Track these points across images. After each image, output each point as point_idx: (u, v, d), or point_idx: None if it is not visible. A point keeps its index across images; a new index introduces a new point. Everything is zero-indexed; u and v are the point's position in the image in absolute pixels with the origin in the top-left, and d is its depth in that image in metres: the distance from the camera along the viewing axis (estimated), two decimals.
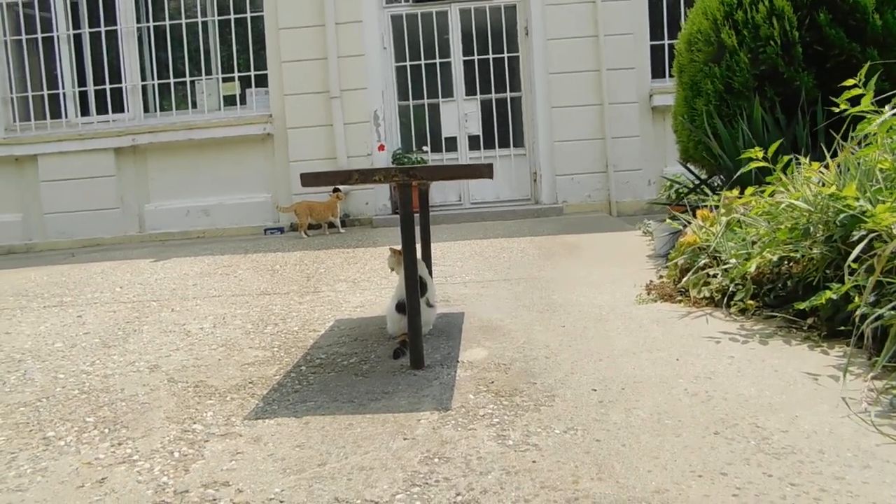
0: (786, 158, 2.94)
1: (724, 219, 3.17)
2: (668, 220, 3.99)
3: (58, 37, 8.02)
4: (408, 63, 7.95)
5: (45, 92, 8.09)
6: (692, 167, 4.86)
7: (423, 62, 7.94)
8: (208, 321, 3.31)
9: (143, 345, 2.93)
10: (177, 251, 6.30)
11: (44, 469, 1.70)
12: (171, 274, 4.85)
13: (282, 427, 1.87)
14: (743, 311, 2.73)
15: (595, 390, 1.99)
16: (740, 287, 2.79)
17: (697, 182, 4.71)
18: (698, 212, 3.53)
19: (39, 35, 8.04)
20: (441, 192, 8.00)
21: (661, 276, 3.53)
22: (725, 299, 2.82)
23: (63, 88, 8.06)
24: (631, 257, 4.40)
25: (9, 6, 8.03)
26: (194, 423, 1.96)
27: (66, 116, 8.08)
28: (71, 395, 2.29)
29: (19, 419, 2.09)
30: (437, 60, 7.93)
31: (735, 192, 3.31)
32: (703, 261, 3.08)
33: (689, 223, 3.51)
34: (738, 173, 3.54)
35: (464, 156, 7.99)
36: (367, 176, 2.38)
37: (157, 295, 4.09)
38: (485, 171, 2.26)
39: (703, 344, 2.39)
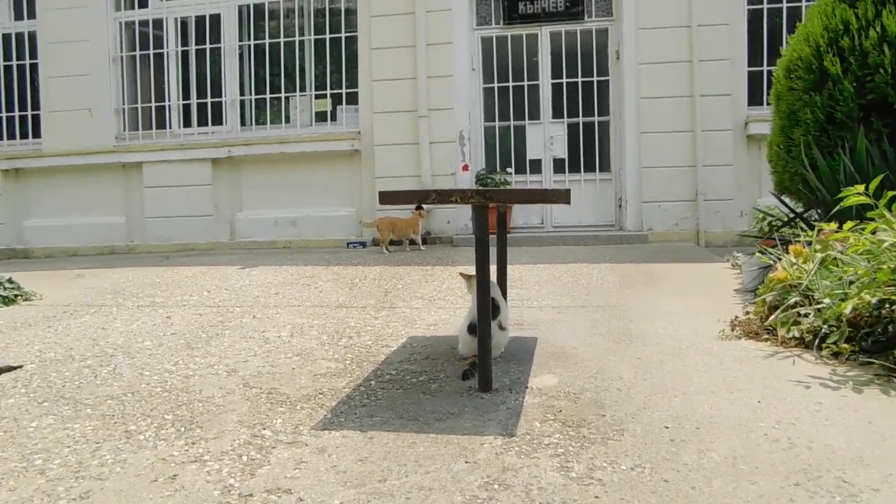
0: (890, 194, 2.75)
1: (818, 255, 3.00)
2: (757, 254, 3.81)
3: (167, 53, 8.55)
4: (496, 84, 8.00)
5: (153, 104, 8.62)
6: (787, 200, 4.64)
7: (510, 84, 7.97)
8: (286, 330, 3.40)
9: (224, 349, 3.04)
10: (263, 259, 6.53)
11: (123, 461, 1.78)
12: (256, 281, 5.03)
13: (347, 440, 1.88)
14: (836, 355, 2.56)
15: (667, 427, 1.91)
16: (834, 329, 2.62)
17: (792, 215, 4.48)
18: (791, 247, 3.35)
19: (151, 51, 8.59)
20: (523, 215, 7.96)
21: (747, 313, 3.37)
22: (817, 341, 2.65)
23: (169, 101, 8.57)
24: (717, 290, 4.22)
25: (126, 24, 8.62)
26: (264, 428, 2.01)
27: (170, 127, 8.57)
28: (154, 392, 2.39)
29: (106, 411, 2.20)
30: (526, 83, 7.94)
31: (833, 226, 3.13)
32: (793, 298, 2.92)
33: (781, 258, 3.34)
34: (837, 208, 3.35)
35: (548, 179, 7.93)
36: (444, 196, 2.40)
37: (241, 301, 4.24)
38: (562, 197, 2.23)
39: (789, 387, 2.26)
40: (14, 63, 8.91)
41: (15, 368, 2.78)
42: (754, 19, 7.42)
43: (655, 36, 7.32)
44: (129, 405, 2.26)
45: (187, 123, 8.59)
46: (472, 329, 2.57)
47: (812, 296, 2.85)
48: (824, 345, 2.61)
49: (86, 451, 1.86)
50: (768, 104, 4.95)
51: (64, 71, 8.53)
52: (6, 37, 8.94)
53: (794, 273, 3.06)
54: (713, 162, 7.27)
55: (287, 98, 8.40)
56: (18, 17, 8.89)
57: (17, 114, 8.95)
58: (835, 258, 2.92)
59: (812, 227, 3.29)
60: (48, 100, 8.63)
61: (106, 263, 6.92)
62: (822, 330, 2.65)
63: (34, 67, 8.79)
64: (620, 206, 7.70)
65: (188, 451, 1.84)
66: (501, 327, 2.70)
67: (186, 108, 8.59)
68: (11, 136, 8.96)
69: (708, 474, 1.61)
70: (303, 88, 8.34)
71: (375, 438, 1.89)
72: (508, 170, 7.91)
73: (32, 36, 8.77)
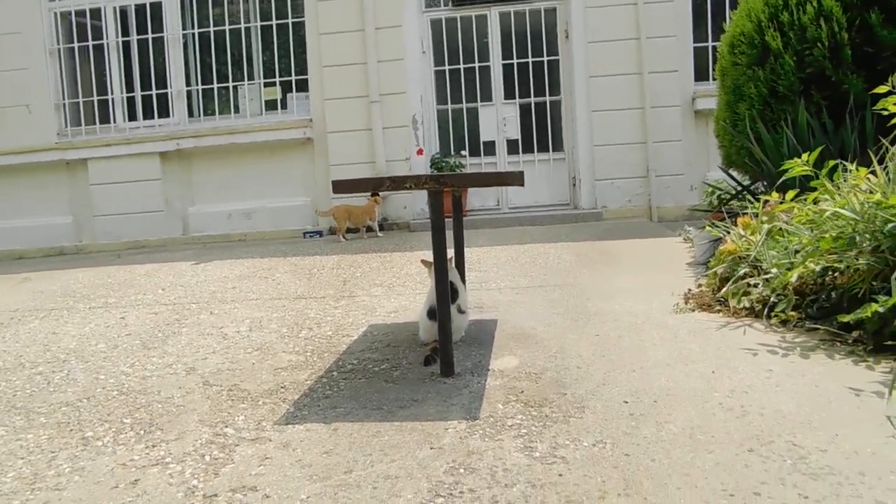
0: (831, 163, 2.84)
1: (765, 227, 3.09)
2: (707, 227, 3.90)
3: (107, 44, 8.27)
4: (447, 67, 7.97)
5: (95, 98, 8.34)
6: (734, 173, 4.76)
7: (462, 66, 7.95)
8: (245, 324, 3.36)
9: (182, 347, 2.99)
10: (218, 254, 6.42)
11: (81, 469, 1.75)
12: (212, 276, 4.94)
13: (311, 433, 1.88)
14: (784, 323, 2.65)
15: (626, 402, 1.96)
16: (782, 298, 2.71)
17: (739, 189, 4.60)
18: (739, 219, 3.44)
19: (91, 42, 8.30)
20: (479, 197, 7.99)
21: (699, 285, 3.46)
22: (766, 310, 2.74)
23: (112, 94, 8.31)
24: (670, 265, 4.32)
25: (62, 15, 8.30)
26: (226, 426, 1.99)
27: (115, 122, 8.32)
28: (110, 396, 2.34)
29: (61, 418, 2.15)
30: (477, 64, 7.93)
31: (777, 196, 3.22)
32: (743, 270, 3.00)
33: (730, 231, 3.43)
34: (782, 180, 3.45)
35: (502, 160, 7.96)
36: (398, 183, 2.39)
37: (198, 297, 4.17)
38: (516, 179, 2.25)
39: (741, 356, 2.33)
40: None
41: None
42: None
43: (603, 14, 7.38)
44: (85, 411, 2.21)
45: (132, 117, 8.35)
46: (431, 314, 2.58)
47: (760, 266, 2.93)
48: (773, 313, 2.70)
49: (41, 462, 1.82)
50: (714, 80, 5.05)
51: (3, 66, 8.17)
52: None
53: (743, 245, 3.15)
54: (663, 138, 7.39)
55: (235, 87, 8.23)
56: None
57: None
58: (781, 229, 3.01)
59: (759, 200, 3.38)
60: None
61: (54, 265, 6.71)
62: (771, 299, 2.74)
63: None
64: (574, 185, 7.79)
65: (149, 454, 1.81)
66: (461, 311, 2.72)
67: (131, 101, 8.34)
68: None
69: (667, 446, 1.65)
70: (251, 77, 8.18)
71: (340, 430, 1.88)
72: (462, 153, 7.91)
73: None
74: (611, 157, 7.48)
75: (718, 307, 3.00)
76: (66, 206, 8.30)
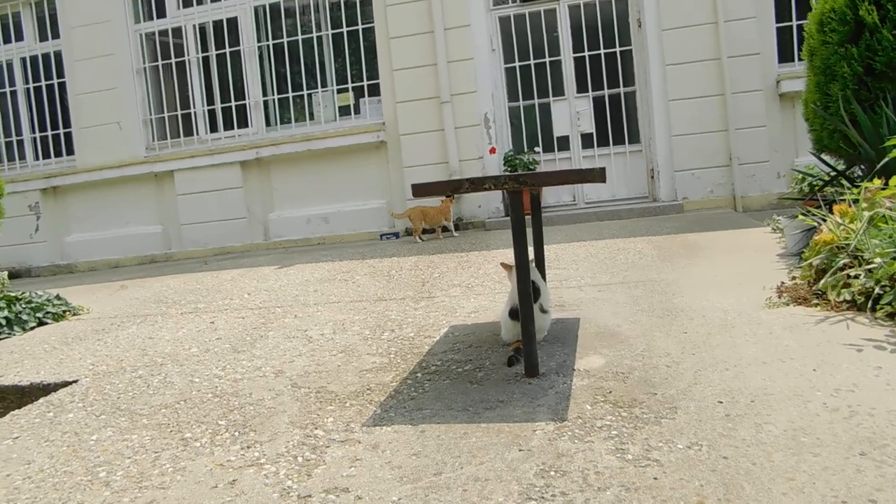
0: None
1: (866, 213, 2.91)
2: (800, 216, 3.72)
3: (189, 60, 8.64)
4: (517, 64, 7.91)
5: (179, 112, 8.73)
6: (827, 158, 4.51)
7: (532, 62, 7.87)
8: (328, 327, 3.43)
9: (269, 350, 3.08)
10: (298, 258, 6.59)
11: (182, 469, 1.82)
12: (294, 280, 5.08)
13: (398, 434, 1.89)
14: (891, 317, 2.49)
15: (721, 402, 1.88)
16: (887, 289, 2.54)
17: (834, 174, 4.36)
18: (835, 206, 3.26)
19: (173, 60, 8.69)
20: (554, 193, 7.89)
21: (793, 278, 3.29)
22: (870, 303, 2.58)
23: (194, 108, 8.67)
24: (759, 257, 4.14)
25: (147, 36, 8.73)
26: (316, 428, 2.03)
27: (198, 134, 8.68)
28: (205, 399, 2.44)
29: (161, 420, 2.25)
30: (547, 59, 7.83)
31: (878, 182, 3.03)
32: (842, 260, 2.84)
33: (825, 219, 3.25)
34: (883, 162, 3.24)
35: (576, 155, 7.84)
36: (477, 185, 2.37)
37: (281, 301, 4.29)
38: (596, 176, 2.20)
39: (844, 352, 2.20)
40: (43, 83, 9.10)
41: (71, 383, 2.85)
42: None
43: (677, 0, 7.15)
44: (183, 413, 2.30)
45: (214, 128, 8.69)
46: (513, 314, 2.56)
47: (861, 256, 2.77)
48: (878, 306, 2.54)
49: (146, 461, 1.90)
50: (800, 60, 4.81)
51: (91, 87, 8.68)
52: (33, 58, 9.12)
53: (841, 234, 2.97)
54: (746, 124, 7.10)
55: (310, 95, 8.43)
56: (43, 37, 9.06)
57: (49, 133, 9.15)
58: (883, 216, 2.83)
59: (856, 185, 3.19)
60: (78, 116, 8.80)
61: (147, 273, 7.06)
62: (875, 291, 2.58)
63: (62, 86, 8.96)
64: (652, 177, 7.58)
65: (244, 455, 1.87)
66: (543, 310, 2.68)
67: (212, 114, 8.68)
68: (47, 156, 9.18)
69: (768, 448, 1.58)
70: (324, 84, 8.36)
71: (427, 431, 1.89)
72: (536, 149, 7.84)
73: (58, 55, 8.93)
74: (690, 147, 7.24)
75: (815, 301, 2.84)
76: (155, 216, 8.71)
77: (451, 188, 2.42)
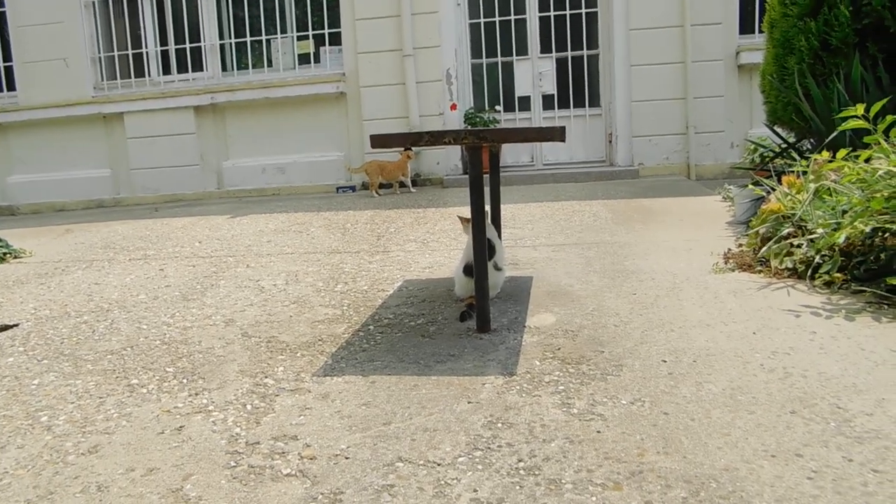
0: (890, 119, 2.72)
1: (812, 185, 3.00)
2: (750, 186, 3.81)
3: None
4: (482, 20, 7.80)
5: (130, 51, 8.37)
6: (780, 130, 4.61)
7: (497, 19, 7.77)
8: (281, 278, 3.40)
9: (220, 299, 3.04)
10: (253, 208, 6.48)
11: (128, 415, 1.80)
12: (247, 230, 4.99)
13: (349, 385, 1.90)
14: (828, 285, 2.59)
15: (665, 361, 1.94)
16: (827, 259, 2.64)
17: (785, 146, 4.46)
18: (784, 178, 3.34)
19: None
20: (513, 153, 7.89)
21: (740, 245, 3.39)
22: (810, 271, 2.67)
23: (146, 48, 8.32)
24: (709, 224, 4.24)
25: None
26: (266, 377, 2.02)
27: (150, 75, 8.35)
28: (153, 346, 2.40)
29: (107, 366, 2.21)
30: (512, 17, 7.74)
31: (826, 155, 3.11)
32: (786, 230, 2.93)
33: (774, 189, 3.33)
34: (832, 136, 3.33)
35: (537, 116, 7.83)
36: (437, 138, 2.36)
37: (234, 251, 4.22)
38: (556, 134, 2.20)
39: (783, 317, 2.28)
40: None
41: (11, 327, 2.77)
42: None
43: None
44: (130, 359, 2.26)
45: (167, 70, 8.37)
46: (468, 270, 2.58)
47: (805, 226, 2.86)
48: (817, 275, 2.64)
49: (90, 407, 1.87)
50: (761, 32, 4.86)
51: (35, 19, 8.23)
52: None
53: (788, 204, 3.06)
54: (704, 93, 7.18)
55: (268, 41, 8.18)
56: None
57: None
58: (828, 188, 2.92)
59: (805, 158, 3.28)
60: (21, 51, 8.35)
61: (94, 217, 6.85)
62: (815, 260, 2.67)
63: (2, 17, 8.47)
64: (611, 142, 7.64)
65: (192, 402, 1.86)
66: (497, 267, 2.70)
67: (165, 55, 8.35)
68: None
69: (707, 406, 1.64)
70: (284, 30, 8.11)
71: (377, 382, 1.90)
72: (497, 108, 7.80)
73: None
74: (649, 114, 7.30)
75: (760, 268, 2.94)
76: (105, 159, 8.41)
77: (411, 140, 2.40)
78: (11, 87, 8.54)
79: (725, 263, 3.08)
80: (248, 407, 1.80)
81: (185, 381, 2.03)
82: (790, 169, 3.50)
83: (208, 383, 1.99)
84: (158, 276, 3.63)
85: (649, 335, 2.18)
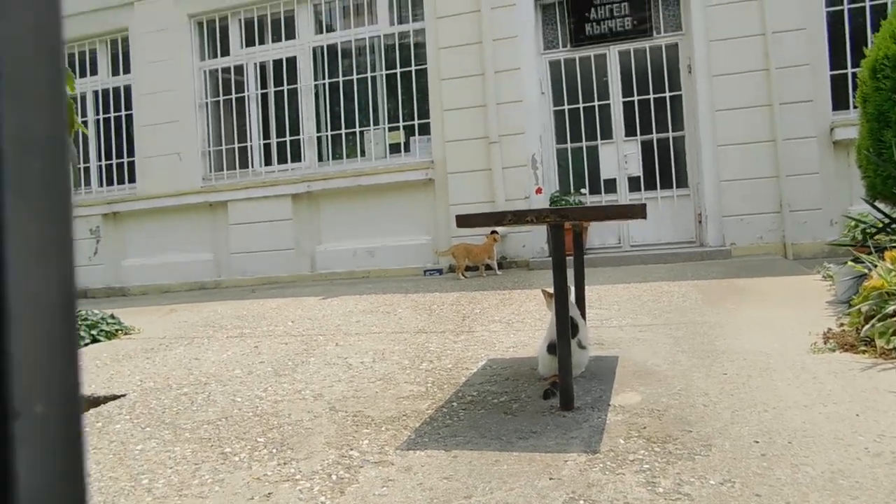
0: None
1: None
2: (850, 263, 3.64)
3: (248, 96, 9.00)
4: (566, 107, 8.00)
5: (236, 145, 9.06)
6: (881, 205, 4.42)
7: (581, 105, 7.95)
8: (368, 356, 3.48)
9: (310, 375, 3.15)
10: (343, 290, 6.70)
11: (221, 480, 1.88)
12: (337, 311, 5.17)
13: (431, 458, 1.92)
14: None
15: (757, 442, 1.85)
16: None
17: (887, 221, 4.26)
18: (887, 253, 3.19)
19: (234, 95, 9.07)
20: (599, 235, 7.87)
21: (841, 324, 3.22)
22: None
23: (251, 141, 9.00)
24: (807, 303, 4.05)
25: (210, 72, 9.15)
26: (351, 449, 2.06)
27: (253, 166, 8.99)
28: (246, 417, 2.50)
29: (203, 435, 2.32)
30: (596, 103, 7.90)
31: None
32: (892, 307, 2.77)
33: (876, 265, 3.18)
34: None
35: (623, 197, 7.82)
36: (519, 217, 2.43)
37: (324, 330, 4.37)
38: (637, 211, 2.22)
39: (891, 399, 2.14)
40: (112, 115, 9.59)
41: (119, 397, 2.96)
42: (834, 21, 7.15)
43: (728, 46, 7.17)
44: (224, 429, 2.37)
45: (268, 162, 8.98)
46: (551, 348, 2.57)
47: None
48: None
49: (187, 472, 1.97)
50: (855, 107, 4.76)
51: (155, 119, 9.10)
52: (105, 91, 9.63)
53: (892, 280, 2.91)
54: (798, 171, 7.00)
55: (362, 132, 8.67)
56: (116, 72, 9.57)
57: (114, 161, 9.60)
58: None
59: None
60: (142, 146, 9.22)
61: (196, 298, 7.26)
62: None
63: (129, 118, 9.42)
64: (700, 222, 7.50)
65: (281, 470, 1.92)
66: (581, 346, 2.69)
67: (267, 148, 8.99)
68: (110, 183, 9.61)
69: (803, 489, 1.55)
70: (376, 122, 8.58)
71: (459, 457, 1.91)
72: (583, 191, 7.86)
73: (128, 89, 9.42)
74: (739, 193, 7.16)
75: (863, 347, 2.77)
76: (208, 244, 9.00)
77: (494, 220, 2.48)
78: (132, 179, 9.39)
79: (825, 343, 2.93)
80: (334, 477, 1.84)
81: (274, 450, 2.10)
82: (893, 244, 3.34)
83: (296, 453, 2.06)
84: (253, 352, 3.79)
85: (740, 415, 2.09)
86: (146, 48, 9.17)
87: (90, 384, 3.23)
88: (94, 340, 4.37)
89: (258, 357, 3.65)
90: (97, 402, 2.90)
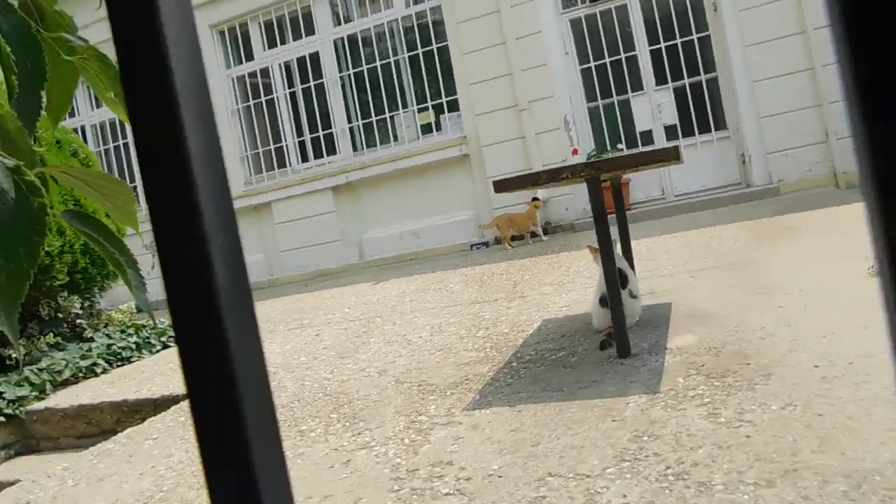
0: None
1: None
2: None
3: (277, 97, 9.15)
4: (592, 64, 7.90)
5: (272, 146, 9.25)
6: None
7: (607, 60, 7.84)
8: (426, 330, 3.58)
9: (372, 354, 3.26)
10: (393, 273, 6.83)
11: (301, 454, 1.99)
12: (390, 293, 5.28)
13: (497, 415, 1.99)
14: None
15: (817, 367, 1.87)
16: None
17: None
18: None
19: (263, 98, 9.23)
20: (642, 189, 7.79)
21: None
22: None
23: (285, 141, 9.16)
24: (861, 230, 3.96)
25: (238, 78, 9.32)
26: (420, 415, 2.16)
27: (290, 165, 9.16)
28: (317, 398, 2.63)
29: (279, 417, 2.44)
30: (622, 55, 7.78)
31: None
32: None
33: None
34: None
35: (662, 146, 7.72)
36: (554, 175, 2.46)
37: (380, 312, 4.49)
38: (671, 155, 2.23)
39: None
40: None
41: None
42: None
43: None
44: (298, 410, 2.49)
45: (305, 158, 9.14)
46: (603, 301, 2.61)
47: None
48: None
49: None
50: None
51: None
52: None
53: None
54: (840, 97, 6.77)
55: (392, 117, 8.73)
56: None
57: None
58: None
59: None
60: None
61: (253, 297, 7.48)
62: None
63: None
64: (744, 162, 7.35)
65: (356, 440, 2.02)
66: (633, 296, 2.72)
67: (302, 145, 9.14)
68: None
69: (866, 405, 1.57)
70: (405, 105, 8.64)
71: (524, 411, 1.98)
72: (619, 146, 7.78)
73: None
74: (782, 127, 6.99)
75: None
76: (258, 245, 9.23)
77: (531, 181, 2.52)
78: None
79: None
80: (406, 441, 1.93)
81: (347, 424, 2.21)
82: None
83: (368, 424, 2.16)
84: (315, 340, 3.93)
85: (798, 344, 2.11)
86: None
87: (167, 385, 3.41)
88: (165, 346, 4.58)
89: (321, 343, 3.78)
90: (176, 399, 3.07)
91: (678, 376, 2.02)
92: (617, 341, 2.37)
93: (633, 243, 3.27)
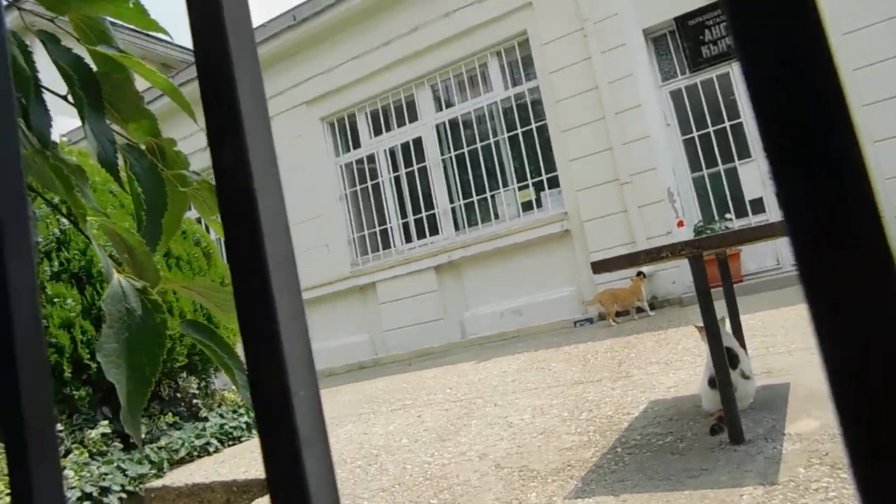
0: None
1: None
2: None
3: (382, 181, 9.55)
4: (695, 134, 7.77)
5: (377, 228, 9.59)
6: None
7: (711, 129, 7.69)
8: (528, 412, 3.50)
9: (472, 437, 3.21)
10: (495, 352, 6.78)
11: None
12: (492, 372, 5.23)
13: None
14: None
15: None
16: None
17: None
18: None
19: (369, 183, 9.66)
20: (754, 260, 7.44)
21: None
22: None
23: (390, 223, 9.49)
24: None
25: (346, 166, 9.84)
26: (520, 503, 2.09)
27: (395, 246, 9.44)
28: (417, 482, 2.60)
29: (380, 502, 2.44)
30: (727, 124, 7.61)
31: None
32: None
33: None
34: None
35: (774, 215, 7.37)
36: (654, 255, 2.41)
37: (481, 392, 4.44)
38: (776, 231, 2.13)
39: None
40: None
41: None
42: None
43: (860, 36, 6.70)
44: (398, 494, 2.48)
45: (408, 239, 9.41)
46: (712, 382, 2.48)
47: None
48: None
49: None
50: None
51: (303, 216, 9.83)
52: None
53: None
54: None
55: (493, 196, 8.88)
56: None
57: None
58: None
59: None
60: (295, 242, 9.96)
61: (358, 377, 7.63)
62: None
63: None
64: None
65: None
66: (745, 376, 2.56)
67: (406, 226, 9.43)
68: None
69: None
70: (505, 184, 8.78)
71: (629, 501, 1.88)
72: (727, 216, 7.51)
73: None
74: None
75: None
76: (362, 325, 9.46)
77: (630, 262, 2.47)
78: None
79: None
80: None
81: None
82: None
83: None
84: (417, 421, 3.93)
85: None
86: (285, 151, 10.02)
87: None
88: None
89: (422, 425, 3.78)
90: None
91: (798, 466, 1.86)
92: (729, 426, 2.23)
93: (746, 317, 3.11)
